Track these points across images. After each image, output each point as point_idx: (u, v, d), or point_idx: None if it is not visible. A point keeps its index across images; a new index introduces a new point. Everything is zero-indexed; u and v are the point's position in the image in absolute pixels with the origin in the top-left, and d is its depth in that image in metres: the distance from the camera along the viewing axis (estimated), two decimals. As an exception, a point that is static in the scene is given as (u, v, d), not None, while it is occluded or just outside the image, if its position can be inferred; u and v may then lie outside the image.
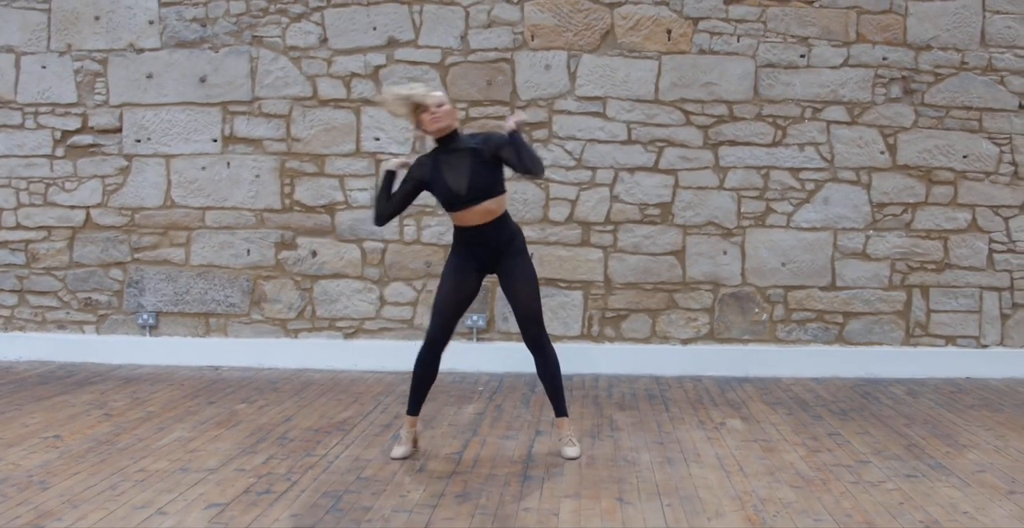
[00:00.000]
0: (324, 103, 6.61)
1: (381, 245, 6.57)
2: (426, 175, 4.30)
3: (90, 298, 6.72)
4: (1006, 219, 6.70)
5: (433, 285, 6.01)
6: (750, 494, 3.86)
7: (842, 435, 4.91)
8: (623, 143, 6.58)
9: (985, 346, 6.70)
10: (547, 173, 6.40)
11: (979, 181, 6.69)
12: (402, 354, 6.14)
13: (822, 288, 6.63)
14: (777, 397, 5.90)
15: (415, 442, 4.46)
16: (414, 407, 4.41)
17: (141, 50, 6.67)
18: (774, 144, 6.61)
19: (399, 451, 4.38)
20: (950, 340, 6.69)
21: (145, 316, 6.61)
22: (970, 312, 6.70)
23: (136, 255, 6.69)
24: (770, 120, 6.61)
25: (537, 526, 3.40)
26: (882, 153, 6.65)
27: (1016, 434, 4.95)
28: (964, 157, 6.67)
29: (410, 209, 5.96)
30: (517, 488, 3.90)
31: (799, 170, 6.62)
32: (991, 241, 6.70)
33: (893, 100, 6.65)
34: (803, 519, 3.51)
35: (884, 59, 6.64)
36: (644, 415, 5.35)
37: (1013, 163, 6.70)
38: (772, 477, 4.11)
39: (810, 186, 6.63)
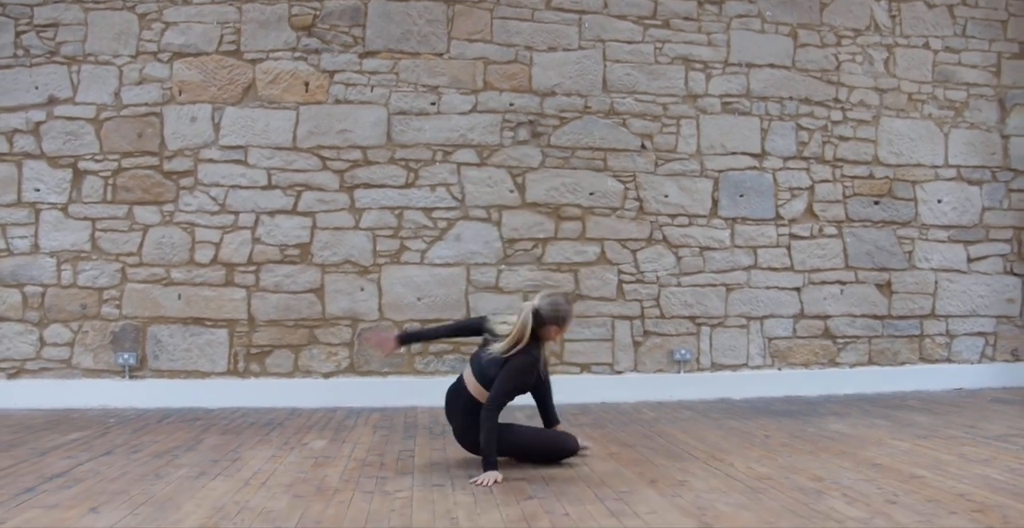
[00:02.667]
0: (-11, 157, 7.07)
1: (41, 289, 6.99)
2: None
3: None
4: (633, 251, 7.07)
5: (88, 325, 6.55)
6: (235, 503, 3.98)
7: (413, 452, 5.12)
8: (264, 188, 7.02)
9: (619, 372, 7.03)
10: (193, 217, 6.86)
11: (606, 216, 7.08)
12: (59, 392, 6.71)
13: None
14: (391, 423, 6.14)
15: None
16: None
17: None
18: (407, 186, 7.03)
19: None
20: (585, 367, 7.03)
21: None
22: (603, 341, 7.05)
23: None
24: (403, 163, 7.04)
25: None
26: (511, 192, 7.06)
27: (598, 446, 5.20)
28: (591, 194, 7.07)
29: (66, 255, 6.54)
30: None
31: (432, 209, 7.03)
32: (620, 272, 7.07)
33: (521, 142, 7.08)
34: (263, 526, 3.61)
35: (511, 105, 7.09)
36: (239, 438, 5.56)
37: (638, 198, 7.09)
38: (288, 489, 4.21)
39: (443, 224, 7.03)
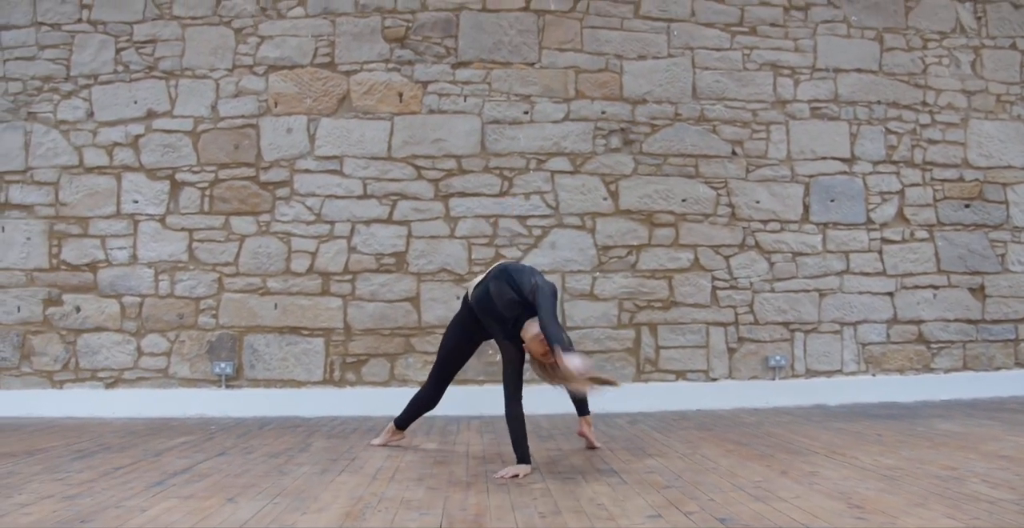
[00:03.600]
0: (89, 170, 7.19)
1: (139, 299, 7.07)
2: None
3: None
4: (727, 257, 7.09)
5: (185, 335, 6.59)
6: (372, 494, 4.00)
7: (532, 451, 5.05)
8: (359, 198, 7.09)
9: (714, 379, 7.03)
10: (288, 227, 6.95)
11: (698, 223, 7.11)
12: (157, 401, 6.80)
13: (551, 327, 6.99)
14: (494, 428, 6.13)
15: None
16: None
17: (-72, 129, 7.32)
18: (502, 194, 7.09)
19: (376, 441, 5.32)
20: (680, 374, 7.02)
21: (-75, 371, 7.13)
22: (698, 347, 7.05)
23: (-81, 315, 7.23)
24: (497, 172, 7.10)
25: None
26: (605, 199, 7.10)
27: (712, 445, 5.13)
28: (683, 201, 7.11)
29: (163, 265, 6.64)
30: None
31: (526, 217, 7.08)
32: (714, 278, 7.09)
33: (613, 150, 7.13)
34: (409, 513, 3.64)
35: (603, 113, 7.16)
36: (348, 442, 5.60)
37: (730, 205, 7.12)
38: (419, 482, 4.20)
39: (537, 232, 7.08)
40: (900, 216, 7.35)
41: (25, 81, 7.28)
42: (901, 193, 7.37)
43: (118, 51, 7.24)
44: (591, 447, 5.10)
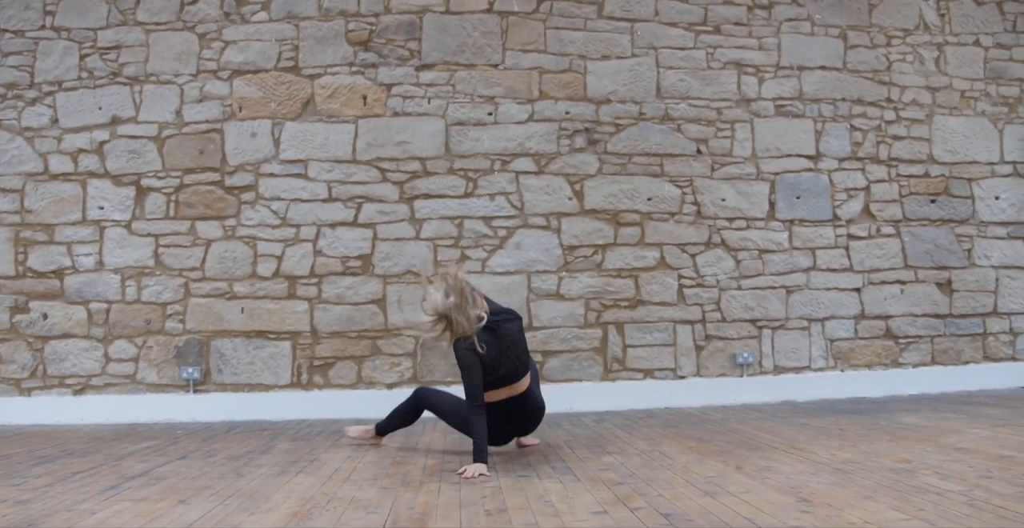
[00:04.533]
0: (54, 177, 7.18)
1: (105, 305, 7.06)
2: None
3: None
4: (693, 256, 7.10)
5: (153, 340, 6.59)
6: (323, 494, 4.01)
7: (490, 451, 4.98)
8: (324, 201, 7.09)
9: (682, 377, 7.02)
10: (254, 231, 6.95)
11: (664, 221, 7.11)
12: (125, 407, 6.82)
13: (518, 328, 6.98)
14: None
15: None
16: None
17: None
18: (466, 195, 7.09)
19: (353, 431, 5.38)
20: (648, 373, 7.02)
21: None
22: (665, 345, 7.05)
23: None
24: (462, 173, 7.11)
25: None
26: (570, 199, 7.11)
27: (673, 442, 5.14)
28: (648, 199, 7.11)
29: (130, 271, 6.62)
30: None
31: (491, 218, 7.08)
32: (680, 277, 7.09)
33: (578, 150, 7.14)
34: (356, 512, 3.63)
35: (567, 113, 7.16)
36: (311, 444, 5.61)
37: (695, 203, 7.13)
38: (373, 482, 4.28)
39: (502, 233, 7.08)
40: (866, 212, 7.35)
41: (-10, 89, 7.26)
42: (867, 189, 7.38)
43: (82, 57, 7.24)
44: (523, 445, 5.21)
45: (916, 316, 7.36)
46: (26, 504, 3.88)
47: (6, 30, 7.30)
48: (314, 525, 3.37)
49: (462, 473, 4.35)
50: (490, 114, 7.16)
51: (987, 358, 7.45)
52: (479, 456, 4.48)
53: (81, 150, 7.19)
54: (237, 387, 6.97)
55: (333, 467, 4.71)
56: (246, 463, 4.89)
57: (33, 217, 7.16)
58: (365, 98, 7.17)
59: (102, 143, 7.19)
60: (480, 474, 4.34)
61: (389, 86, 7.18)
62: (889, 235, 7.37)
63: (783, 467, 4.27)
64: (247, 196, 7.10)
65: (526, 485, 4.06)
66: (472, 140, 7.13)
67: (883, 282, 7.35)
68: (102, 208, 7.12)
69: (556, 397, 6.73)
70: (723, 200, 7.20)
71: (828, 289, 7.25)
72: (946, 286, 7.46)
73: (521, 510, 3.51)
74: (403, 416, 5.34)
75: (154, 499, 3.93)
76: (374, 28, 7.23)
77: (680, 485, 3.92)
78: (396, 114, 7.16)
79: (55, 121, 7.23)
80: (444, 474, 4.44)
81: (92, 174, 7.16)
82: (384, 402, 6.54)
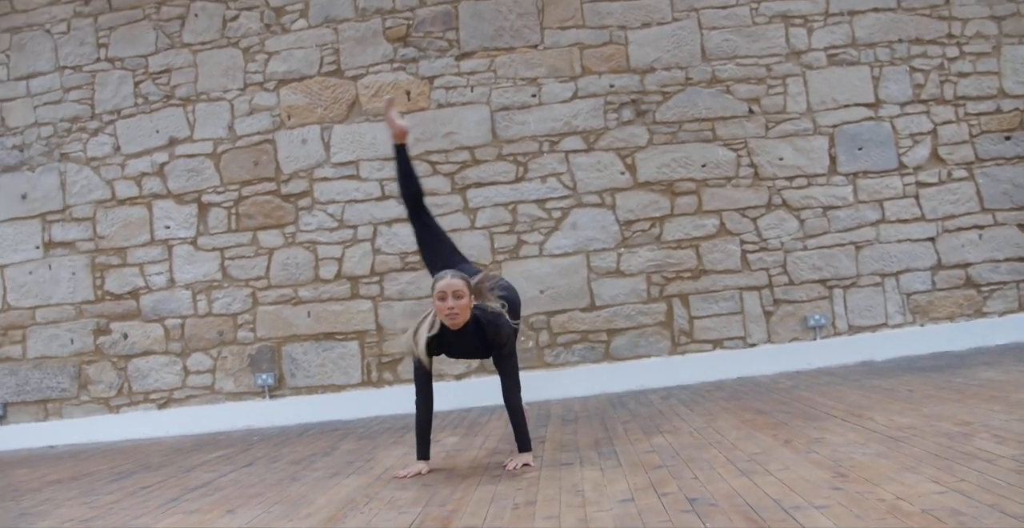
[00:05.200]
0: (122, 202, 7.44)
1: (180, 321, 7.27)
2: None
3: (-48, 399, 7.66)
4: (754, 219, 6.88)
5: (227, 351, 6.77)
6: (364, 495, 3.99)
7: (544, 438, 4.96)
8: (378, 199, 7.15)
9: (753, 345, 6.81)
10: (313, 236, 7.06)
11: (721, 187, 6.92)
12: (206, 417, 7.01)
13: (582, 309, 6.92)
14: (530, 413, 5.86)
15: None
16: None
17: (-26, 179, 7.71)
18: (518, 180, 7.04)
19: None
20: (717, 344, 6.84)
21: (-6, 409, 7.50)
22: (732, 314, 6.85)
23: (-17, 356, 7.61)
24: (511, 158, 7.06)
25: None
26: (622, 173, 6.98)
27: (730, 416, 4.95)
28: (703, 166, 6.93)
29: (199, 285, 6.87)
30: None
31: (544, 201, 7.01)
32: (742, 242, 6.88)
33: (626, 123, 7.01)
34: (389, 513, 3.62)
35: (612, 87, 7.04)
36: (375, 442, 5.61)
37: (752, 165, 6.91)
38: (417, 480, 4.17)
39: (557, 214, 7.00)
40: (934, 157, 6.98)
41: (55, 124, 7.57)
42: (933, 133, 7.00)
43: (136, 84, 7.47)
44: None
45: (998, 262, 6.94)
46: (89, 521, 3.98)
47: (65, 67, 7.59)
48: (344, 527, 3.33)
49: (509, 466, 4.20)
50: (534, 96, 7.08)
51: (1084, 299, 6.96)
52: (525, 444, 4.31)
53: (144, 173, 7.41)
54: (311, 389, 7.06)
55: (385, 466, 4.67)
56: (305, 467, 4.92)
57: (106, 242, 7.41)
58: (409, 93, 7.19)
59: (162, 165, 7.39)
60: (525, 465, 4.19)
61: (431, 79, 7.18)
62: (961, 179, 6.97)
63: (833, 438, 4.02)
64: (303, 202, 7.19)
65: (565, 474, 3.93)
66: (518, 124, 7.06)
67: (959, 229, 6.95)
68: (168, 227, 7.32)
69: (625, 374, 6.64)
70: (780, 159, 6.94)
71: (900, 241, 6.90)
72: (1030, 227, 7.00)
73: (549, 502, 3.40)
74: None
75: (205, 510, 3.98)
76: (411, 23, 7.23)
77: (719, 465, 3.73)
78: (440, 106, 7.15)
79: (117, 148, 7.47)
80: (489, 467, 4.34)
81: (156, 195, 7.36)
82: (453, 393, 6.58)
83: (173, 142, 7.40)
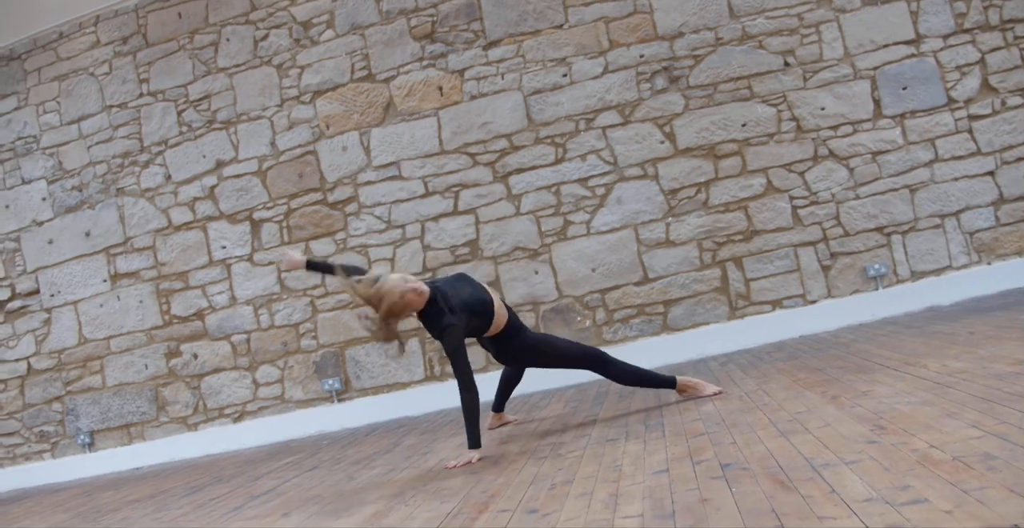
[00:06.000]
0: (178, 229, 7.63)
1: (245, 336, 7.40)
2: None
3: (43, 431, 7.91)
4: (801, 174, 6.70)
5: (292, 360, 6.87)
6: (412, 488, 3.94)
7: (598, 415, 4.92)
8: (422, 197, 7.18)
9: (813, 302, 6.61)
10: (364, 239, 7.12)
11: (764, 145, 6.76)
12: (278, 426, 7.14)
13: (636, 283, 6.81)
14: (583, 396, 5.92)
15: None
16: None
17: (41, 223, 7.99)
18: (557, 161, 7.00)
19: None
20: (776, 304, 6.65)
21: (83, 436, 7.71)
22: (789, 272, 6.66)
23: (68, 388, 7.85)
24: (548, 141, 7.02)
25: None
26: (661, 143, 6.88)
27: (784, 376, 4.77)
28: (743, 125, 6.78)
29: (260, 300, 7.03)
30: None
31: (587, 179, 6.94)
32: (791, 198, 6.70)
33: (660, 91, 6.91)
34: (431, 503, 3.67)
35: (641, 56, 6.96)
36: (435, 436, 5.70)
37: (793, 118, 6.74)
38: (467, 468, 4.18)
39: (601, 191, 6.93)
40: (986, 87, 6.67)
41: (108, 161, 7.81)
42: (982, 62, 6.69)
43: (179, 113, 7.66)
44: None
45: (1067, 187, 6.57)
46: None
47: (112, 106, 7.82)
48: (384, 523, 3.30)
49: (449, 466, 4.14)
50: (565, 76, 7.03)
51: None
52: (470, 441, 4.22)
53: (196, 198, 7.58)
54: (376, 390, 7.08)
55: (440, 457, 4.62)
56: (364, 466, 4.90)
57: (168, 268, 7.58)
58: (441, 89, 7.20)
59: (212, 188, 7.54)
60: (470, 461, 4.15)
61: (461, 71, 7.19)
62: (1017, 106, 6.63)
63: (882, 389, 3.80)
64: (350, 208, 7.26)
65: (608, 450, 3.81)
66: (552, 106, 7.02)
67: (1019, 159, 6.60)
68: (224, 247, 7.46)
69: (685, 344, 6.50)
70: (822, 109, 6.73)
71: (957, 179, 6.60)
72: (1099, 148, 6.62)
73: (586, 480, 3.29)
74: (507, 382, 5.16)
75: (263, 516, 3.99)
76: (435, 19, 7.26)
77: (761, 427, 3.56)
78: (473, 97, 7.15)
79: (168, 177, 7.66)
80: (539, 449, 4.23)
81: (209, 218, 7.51)
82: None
83: (220, 165, 7.54)
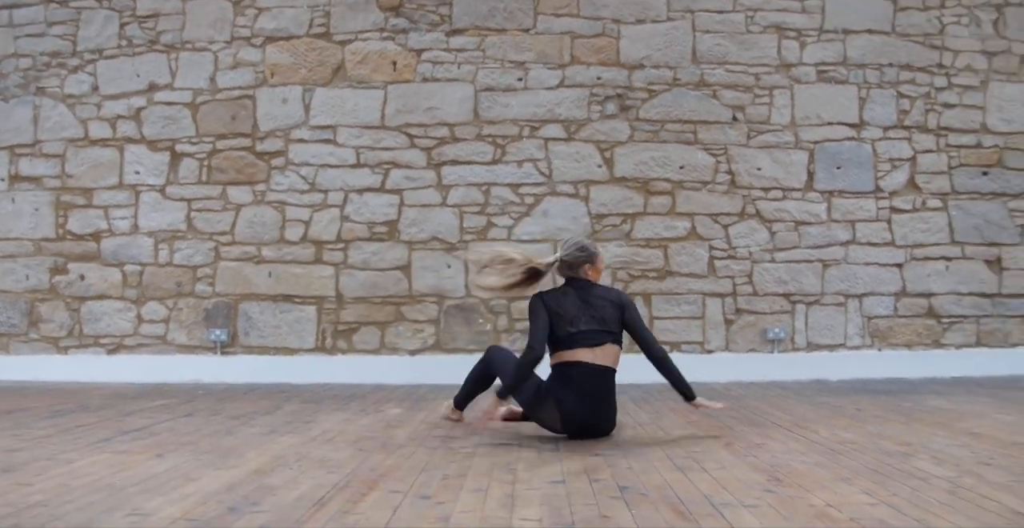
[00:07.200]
0: (93, 143, 7.33)
1: (139, 268, 7.20)
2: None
3: (-102, 323, 7.55)
4: (725, 226, 6.88)
5: (183, 303, 6.71)
6: (296, 454, 3.95)
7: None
8: (352, 167, 7.09)
9: (710, 351, 6.82)
10: (283, 197, 6.98)
11: (696, 190, 6.91)
12: (155, 367, 6.95)
13: (543, 298, 6.87)
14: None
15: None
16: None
17: (-54, 104, 7.57)
18: (494, 162, 7.00)
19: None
20: (675, 346, 6.82)
21: (-59, 338, 7.39)
22: (693, 318, 6.85)
23: (-64, 284, 7.49)
24: (490, 139, 7.01)
25: None
26: (599, 167, 6.95)
27: (677, 417, 4.93)
28: (681, 168, 6.92)
29: (163, 234, 6.82)
30: None
31: (519, 185, 6.97)
32: (711, 248, 6.88)
33: (609, 116, 6.98)
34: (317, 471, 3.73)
35: (599, 79, 7.00)
36: (319, 406, 5.57)
37: (730, 172, 6.90)
38: (352, 444, 4.16)
39: (530, 200, 6.97)
40: (911, 184, 7.00)
41: (34, 57, 7.45)
42: (913, 160, 7.02)
43: (122, 26, 7.36)
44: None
45: (961, 295, 6.99)
46: (15, 452, 3.94)
47: (51, 0, 7.42)
48: (268, 481, 3.30)
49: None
50: (520, 80, 7.03)
51: (1038, 341, 7.02)
52: (499, 390, 4.27)
53: (119, 116, 7.32)
54: (263, 350, 7.03)
55: (323, 428, 4.65)
56: (244, 423, 4.88)
57: (73, 182, 7.32)
58: (395, 64, 7.12)
59: (139, 109, 7.30)
60: (485, 412, 4.28)
61: (419, 51, 7.12)
62: (935, 209, 6.99)
63: (775, 445, 4.03)
64: (277, 161, 7.13)
65: (501, 452, 3.92)
66: (501, 106, 7.03)
67: (927, 258, 6.98)
68: (138, 173, 7.24)
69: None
70: (759, 169, 6.94)
71: (867, 264, 6.93)
72: (995, 264, 7.05)
73: (480, 476, 3.37)
74: (475, 383, 4.81)
75: (134, 452, 3.94)
76: (406, -7, 7.15)
77: (657, 459, 3.72)
78: (425, 80, 7.09)
79: (95, 88, 7.37)
80: (429, 439, 4.31)
81: (129, 140, 7.28)
82: (407, 368, 6.56)
83: (153, 88, 7.30)
